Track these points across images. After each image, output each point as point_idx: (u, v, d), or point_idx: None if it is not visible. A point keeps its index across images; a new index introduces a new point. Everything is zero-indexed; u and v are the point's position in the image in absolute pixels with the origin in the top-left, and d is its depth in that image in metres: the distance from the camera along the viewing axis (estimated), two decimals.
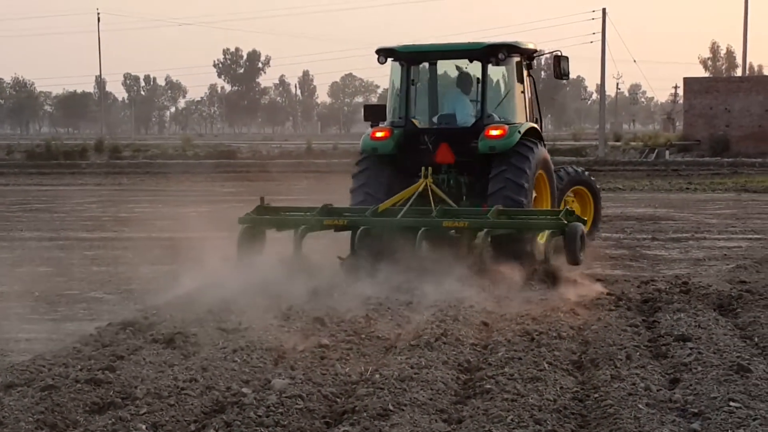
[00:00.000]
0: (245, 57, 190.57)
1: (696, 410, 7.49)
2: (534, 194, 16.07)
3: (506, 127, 15.92)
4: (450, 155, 16.30)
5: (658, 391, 7.94)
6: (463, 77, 16.90)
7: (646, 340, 10.06)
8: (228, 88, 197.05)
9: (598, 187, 18.46)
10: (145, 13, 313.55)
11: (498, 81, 16.92)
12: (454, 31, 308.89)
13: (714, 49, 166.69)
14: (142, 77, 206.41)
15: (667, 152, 56.95)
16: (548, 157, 16.62)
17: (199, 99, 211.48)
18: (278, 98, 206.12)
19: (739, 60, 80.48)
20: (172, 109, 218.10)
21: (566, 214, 14.64)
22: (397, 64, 16.81)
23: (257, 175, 42.23)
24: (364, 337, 9.91)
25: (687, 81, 63.19)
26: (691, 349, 9.34)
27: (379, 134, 16.57)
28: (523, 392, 7.81)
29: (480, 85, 16.36)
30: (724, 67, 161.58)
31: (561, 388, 8.08)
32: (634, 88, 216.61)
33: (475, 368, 8.84)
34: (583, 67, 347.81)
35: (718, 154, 54.20)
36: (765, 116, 57.80)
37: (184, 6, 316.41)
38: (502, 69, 16.66)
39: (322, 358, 8.97)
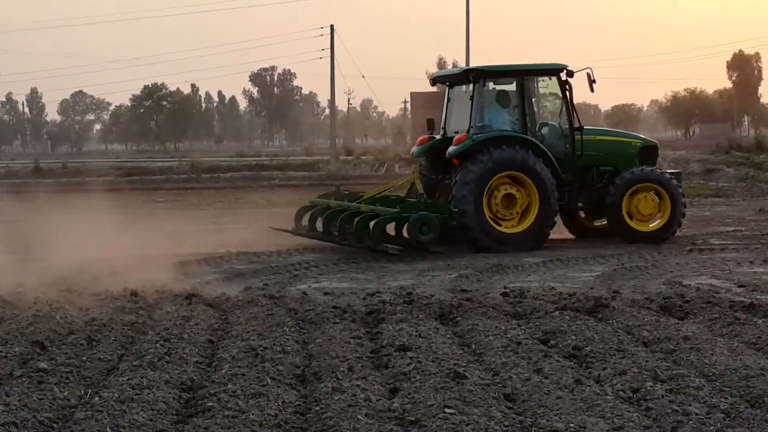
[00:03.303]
0: None
1: (413, 418, 7.68)
2: (509, 191, 19.91)
3: (465, 136, 20.06)
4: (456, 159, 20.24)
5: (377, 401, 8.10)
6: (499, 95, 20.88)
7: (369, 351, 10.24)
8: None
9: (674, 184, 20.97)
10: None
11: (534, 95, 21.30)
12: (192, 46, 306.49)
13: (441, 64, 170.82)
14: None
15: (397, 165, 58.15)
16: (525, 157, 19.93)
17: None
18: (5, 116, 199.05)
19: None
20: None
21: (413, 205, 19.42)
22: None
23: None
24: (86, 360, 9.70)
25: (414, 95, 64.88)
26: (411, 358, 9.57)
27: (418, 142, 21.69)
28: (244, 408, 7.81)
29: (472, 101, 20.39)
30: None
31: (283, 402, 8.12)
32: (366, 103, 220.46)
33: (198, 386, 8.78)
34: (314, 83, 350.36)
35: None
36: None
37: None
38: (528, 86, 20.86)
39: (40, 383, 8.72)
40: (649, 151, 21.86)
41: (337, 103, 76.92)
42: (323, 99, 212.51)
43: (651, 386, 8.42)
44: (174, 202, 36.98)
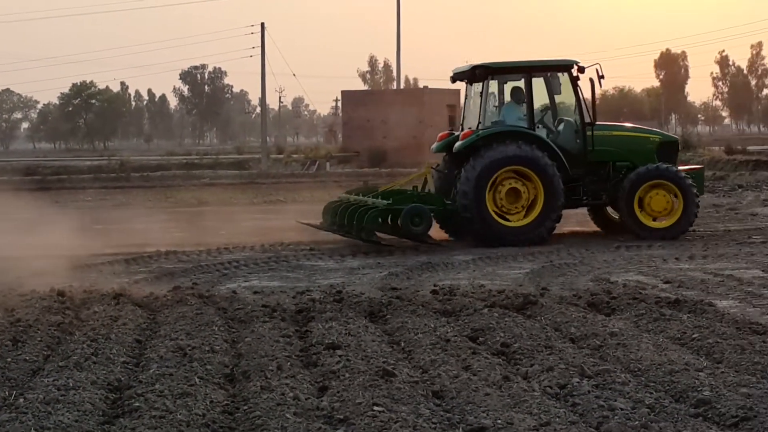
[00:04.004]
0: None
1: (342, 416, 7.68)
2: (514, 185, 20.22)
3: (471, 131, 20.60)
4: None
5: (306, 399, 8.08)
6: (514, 91, 21.26)
7: (298, 349, 10.22)
8: None
9: (687, 182, 20.96)
10: None
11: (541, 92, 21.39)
12: (122, 44, 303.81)
13: (372, 62, 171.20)
14: None
15: (328, 164, 58.22)
16: (528, 152, 20.20)
17: None
18: None
19: (395, 74, 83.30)
20: None
21: (406, 197, 20.29)
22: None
23: None
24: (10, 361, 9.57)
25: (345, 94, 64.80)
26: (340, 356, 9.56)
27: (438, 138, 21.92)
28: (172, 408, 7.75)
29: (481, 97, 20.91)
30: (382, 80, 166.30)
31: (211, 402, 8.08)
32: (297, 102, 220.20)
33: (126, 387, 8.70)
34: (245, 81, 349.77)
35: (377, 165, 55.79)
36: (419, 127, 59.95)
37: None
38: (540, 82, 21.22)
39: None
40: (668, 147, 21.94)
41: (268, 101, 77.01)
42: (254, 97, 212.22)
43: (578, 382, 8.50)
44: (102, 201, 36.67)
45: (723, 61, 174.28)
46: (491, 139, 20.39)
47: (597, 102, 21.26)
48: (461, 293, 13.63)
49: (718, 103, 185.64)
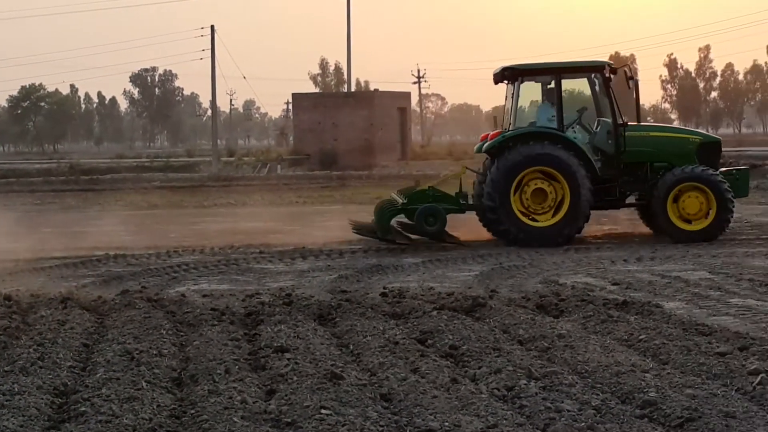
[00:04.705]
0: None
1: (289, 420, 7.65)
2: (540, 186, 20.37)
3: (498, 132, 20.93)
4: None
5: (254, 403, 8.05)
6: (549, 92, 21.38)
7: (247, 353, 10.19)
8: None
9: (721, 185, 20.58)
10: None
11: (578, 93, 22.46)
12: (71, 46, 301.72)
13: (323, 65, 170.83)
14: None
15: (279, 167, 58.09)
16: (553, 153, 20.33)
17: None
18: None
19: (346, 76, 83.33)
20: None
21: (422, 196, 20.59)
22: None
23: None
24: None
25: (295, 97, 64.72)
26: (288, 359, 9.53)
27: (480, 138, 21.86)
28: (118, 413, 7.70)
29: (512, 98, 21.18)
30: (333, 82, 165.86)
31: (158, 406, 8.03)
32: (249, 104, 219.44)
33: (72, 391, 8.63)
34: (196, 84, 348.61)
35: (327, 168, 55.72)
36: (369, 130, 60.02)
37: None
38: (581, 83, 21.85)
39: None
40: (710, 148, 21.62)
41: (219, 104, 76.92)
42: (205, 100, 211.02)
43: (525, 384, 8.52)
44: (51, 205, 36.41)
45: (671, 64, 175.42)
46: (517, 139, 20.59)
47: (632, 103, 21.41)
48: (410, 296, 13.65)
49: (666, 105, 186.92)
